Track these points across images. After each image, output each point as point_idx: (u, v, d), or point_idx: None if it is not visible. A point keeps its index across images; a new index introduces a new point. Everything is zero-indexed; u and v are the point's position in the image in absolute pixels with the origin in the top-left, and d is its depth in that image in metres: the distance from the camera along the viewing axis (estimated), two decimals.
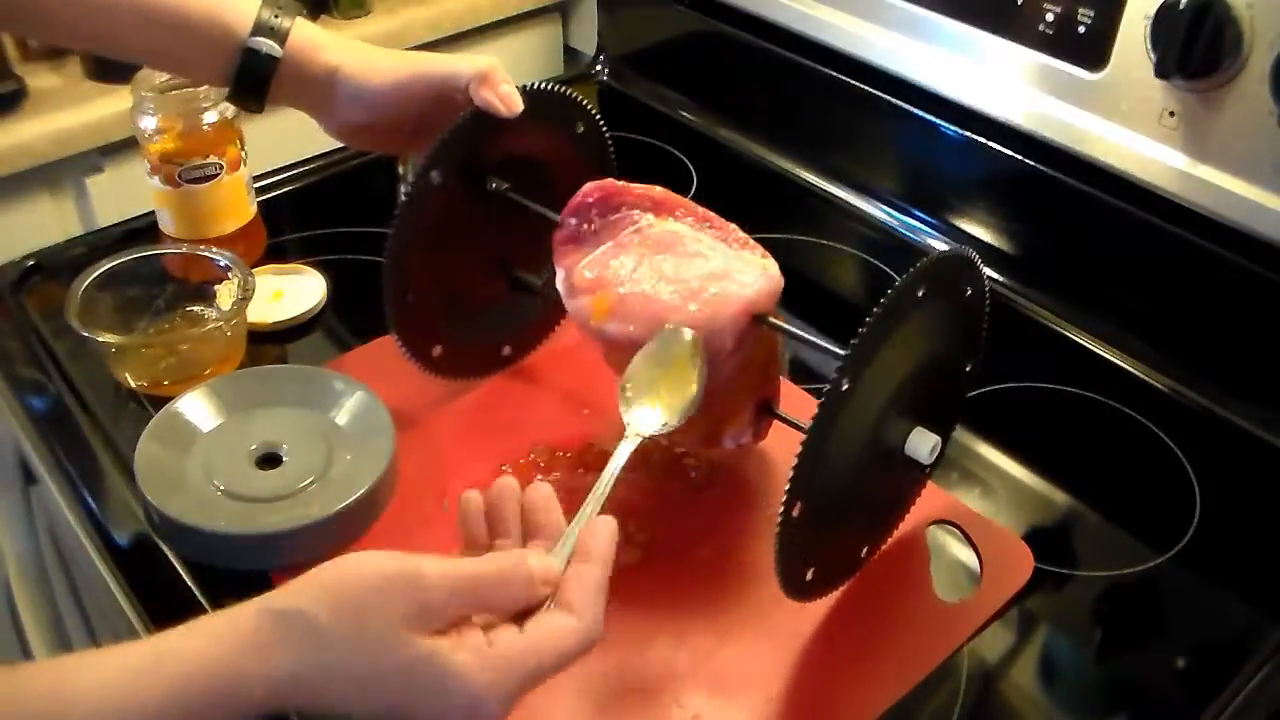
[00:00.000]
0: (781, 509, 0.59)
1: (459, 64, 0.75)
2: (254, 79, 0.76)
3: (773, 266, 0.69)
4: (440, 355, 0.81)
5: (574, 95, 0.81)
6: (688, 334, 0.64)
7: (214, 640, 0.49)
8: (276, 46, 0.75)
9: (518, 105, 0.75)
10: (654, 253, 0.70)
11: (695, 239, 0.70)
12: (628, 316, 0.67)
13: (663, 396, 0.64)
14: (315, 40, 0.76)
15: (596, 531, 0.55)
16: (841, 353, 0.58)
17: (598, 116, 0.82)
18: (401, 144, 0.80)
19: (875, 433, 0.64)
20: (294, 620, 0.49)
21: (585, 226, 0.72)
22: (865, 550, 0.71)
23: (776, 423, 0.74)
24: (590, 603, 0.53)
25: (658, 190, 0.73)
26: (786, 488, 0.58)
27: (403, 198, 0.74)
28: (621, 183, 0.73)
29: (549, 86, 0.78)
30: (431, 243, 0.77)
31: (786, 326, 0.68)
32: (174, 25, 0.75)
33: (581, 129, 0.82)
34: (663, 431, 0.64)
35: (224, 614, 0.50)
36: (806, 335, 0.67)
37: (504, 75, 0.75)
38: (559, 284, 0.72)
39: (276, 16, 0.75)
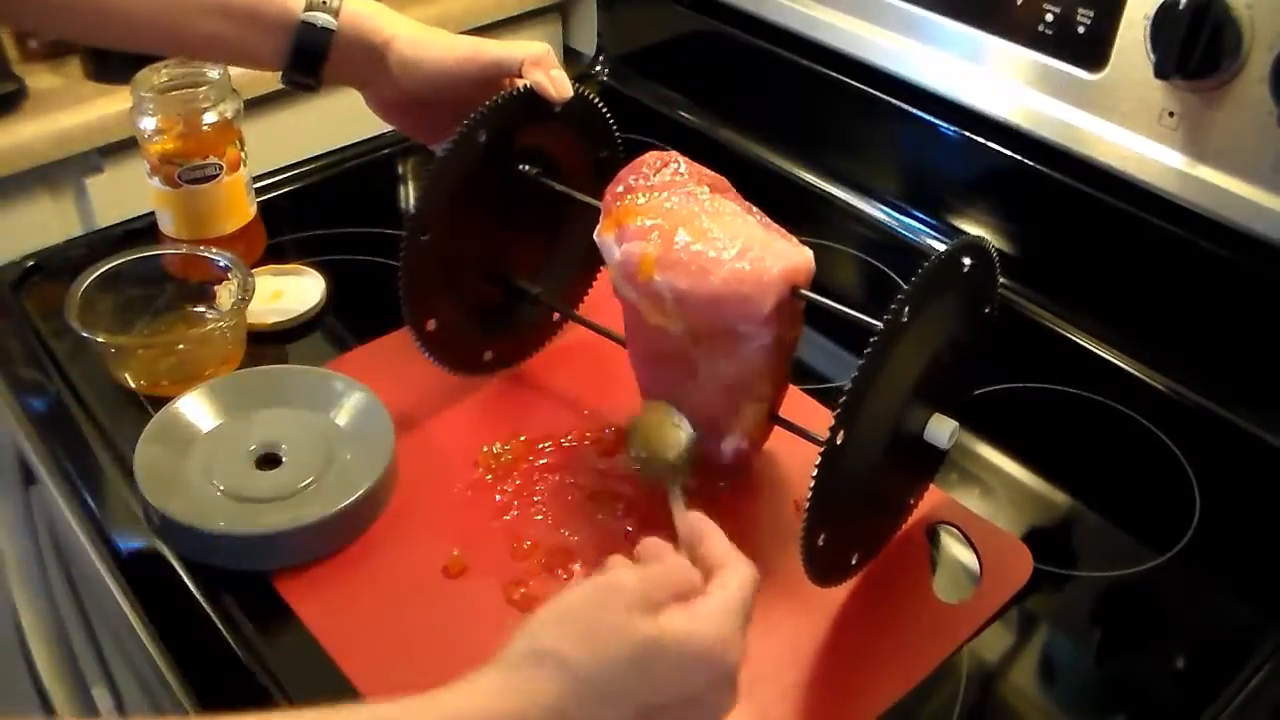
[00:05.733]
0: (825, 439, 0.60)
1: (513, 47, 0.77)
2: (310, 54, 0.77)
3: (809, 251, 0.70)
4: (433, 331, 0.80)
5: (610, 120, 0.83)
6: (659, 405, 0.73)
7: (482, 693, 0.50)
8: (331, 19, 0.76)
9: (568, 90, 0.77)
10: (704, 214, 0.70)
11: (742, 216, 0.71)
12: (673, 267, 0.68)
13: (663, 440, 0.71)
14: (369, 12, 0.78)
15: (689, 518, 0.60)
16: (878, 324, 0.59)
17: (621, 151, 0.84)
18: (440, 129, 0.80)
19: (898, 418, 0.65)
20: (545, 657, 0.50)
21: (641, 182, 0.73)
22: (880, 539, 0.71)
23: (777, 425, 0.74)
24: (732, 553, 0.57)
25: (718, 176, 0.74)
26: (834, 418, 0.60)
27: (443, 152, 0.74)
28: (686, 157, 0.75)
29: (595, 99, 0.81)
30: (453, 207, 0.77)
31: (822, 299, 0.68)
32: (229, 11, 0.76)
33: (605, 154, 0.84)
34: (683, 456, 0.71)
35: (470, 679, 0.50)
36: (843, 309, 0.67)
37: (556, 61, 0.77)
38: (605, 239, 0.72)
39: None
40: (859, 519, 0.68)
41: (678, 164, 0.74)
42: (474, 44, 0.79)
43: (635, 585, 0.52)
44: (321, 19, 0.76)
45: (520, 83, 0.77)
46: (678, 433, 0.71)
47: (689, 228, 0.69)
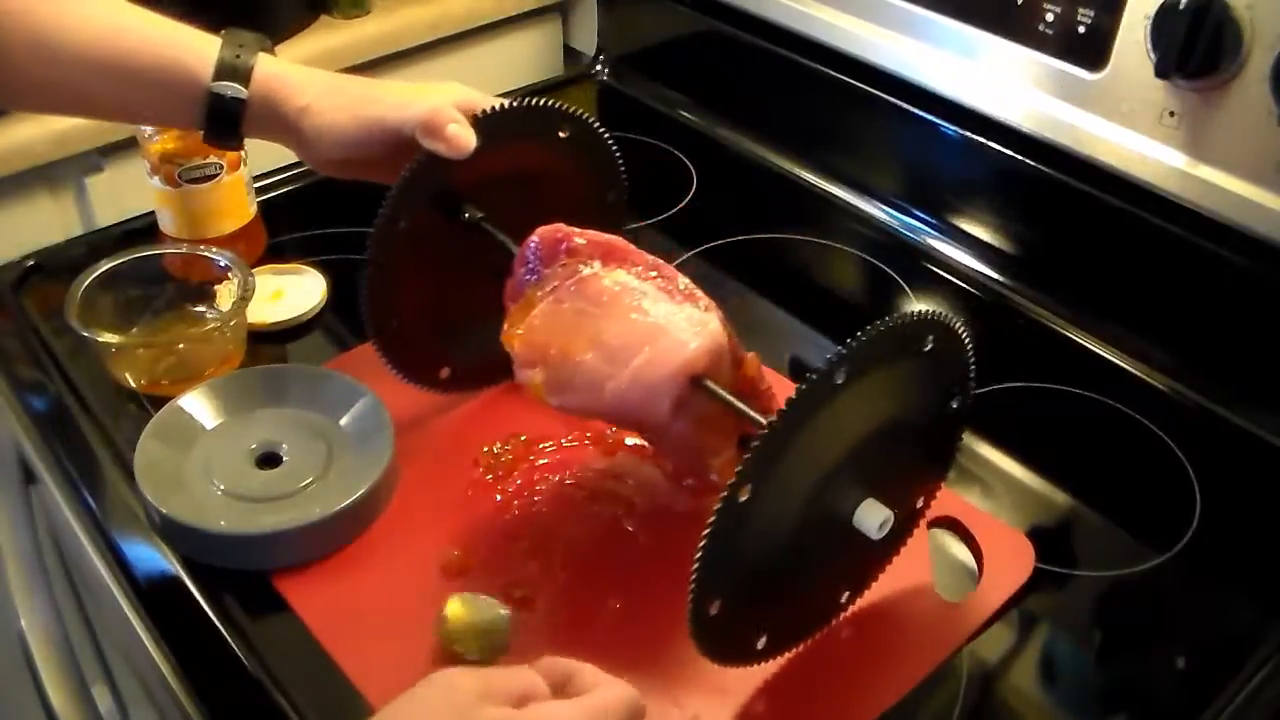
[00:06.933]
0: (691, 598, 0.57)
1: (406, 112, 0.73)
2: (224, 122, 0.75)
3: (714, 322, 0.65)
4: (449, 376, 0.81)
5: (550, 104, 0.76)
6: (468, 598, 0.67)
7: None
8: (240, 89, 0.74)
9: (467, 145, 0.72)
10: (591, 310, 0.67)
11: (639, 292, 0.67)
12: (564, 390, 0.66)
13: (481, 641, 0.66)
14: (281, 77, 0.75)
15: (550, 662, 0.56)
16: (764, 421, 0.56)
17: (586, 116, 0.79)
18: (389, 174, 0.77)
19: (815, 501, 0.60)
20: None
21: (530, 278, 0.70)
22: (822, 615, 0.68)
23: None
24: (606, 676, 0.54)
25: (610, 239, 0.70)
26: (695, 568, 0.56)
27: (368, 251, 0.73)
28: (570, 229, 0.70)
29: (514, 104, 0.75)
30: (413, 275, 0.76)
31: (722, 393, 0.63)
32: (140, 78, 0.74)
33: (567, 134, 0.78)
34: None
35: None
36: (739, 405, 0.63)
37: (449, 114, 0.72)
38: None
39: (238, 56, 0.74)
40: (774, 608, 0.63)
41: (565, 242, 0.70)
42: (376, 108, 0.74)
43: (470, 683, 0.51)
44: (230, 90, 0.74)
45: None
46: (492, 617, 0.66)
47: (574, 338, 0.66)
